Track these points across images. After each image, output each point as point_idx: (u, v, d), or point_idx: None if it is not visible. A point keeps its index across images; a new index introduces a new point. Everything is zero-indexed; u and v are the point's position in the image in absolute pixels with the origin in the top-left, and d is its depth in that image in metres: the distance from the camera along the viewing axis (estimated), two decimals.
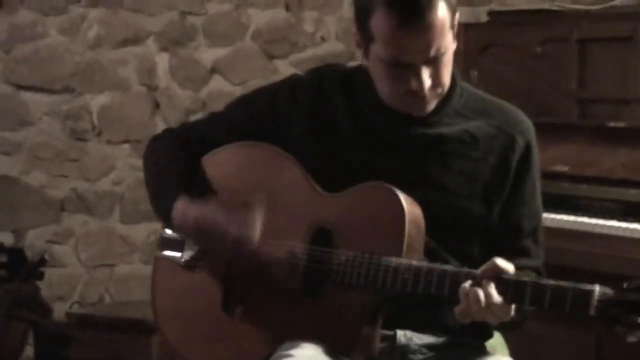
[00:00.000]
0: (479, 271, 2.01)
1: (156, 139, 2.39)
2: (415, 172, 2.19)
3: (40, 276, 2.35)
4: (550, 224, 3.16)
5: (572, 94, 3.57)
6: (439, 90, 2.16)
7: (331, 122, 2.24)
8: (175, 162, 2.29)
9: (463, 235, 2.20)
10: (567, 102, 3.58)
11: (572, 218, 3.22)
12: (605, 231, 3.11)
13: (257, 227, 2.19)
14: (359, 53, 2.21)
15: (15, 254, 2.30)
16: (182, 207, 2.21)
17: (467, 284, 1.99)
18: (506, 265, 2.00)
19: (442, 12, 2.06)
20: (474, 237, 2.21)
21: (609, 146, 3.31)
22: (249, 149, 2.29)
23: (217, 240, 2.18)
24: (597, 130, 3.40)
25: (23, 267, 2.28)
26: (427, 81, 2.10)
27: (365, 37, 2.14)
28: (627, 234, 3.05)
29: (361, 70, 2.25)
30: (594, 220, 3.16)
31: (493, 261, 2.00)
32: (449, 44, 2.10)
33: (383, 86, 2.16)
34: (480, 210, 2.20)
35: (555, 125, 3.47)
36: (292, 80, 2.32)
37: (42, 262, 2.35)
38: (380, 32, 2.08)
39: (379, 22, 2.08)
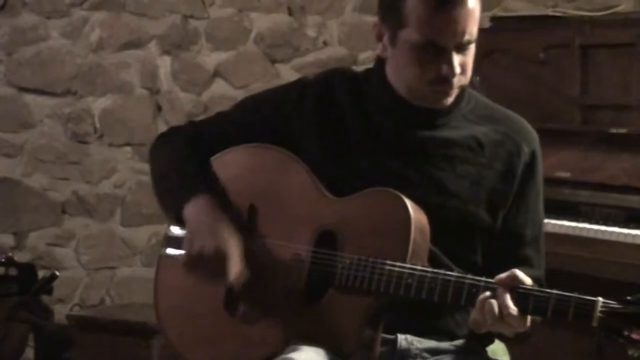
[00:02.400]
0: (494, 280, 2.00)
1: (163, 137, 2.38)
2: (421, 175, 2.19)
3: (50, 292, 2.35)
4: (552, 230, 3.16)
5: (575, 100, 3.57)
6: (463, 81, 2.18)
7: (338, 124, 2.24)
8: (186, 160, 2.28)
9: (467, 241, 2.20)
10: (569, 108, 3.58)
11: (573, 224, 3.21)
12: (607, 237, 3.10)
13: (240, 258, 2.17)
14: (378, 46, 2.21)
15: (26, 268, 2.30)
16: (198, 206, 2.19)
17: (484, 294, 1.99)
18: (524, 277, 2.00)
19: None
20: (478, 243, 2.21)
21: (611, 152, 3.31)
22: (257, 151, 2.29)
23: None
24: (599, 136, 3.40)
25: (33, 282, 2.28)
26: (457, 67, 2.13)
27: (393, 24, 2.15)
28: (629, 240, 3.05)
29: (369, 74, 2.27)
30: (595, 227, 3.16)
31: (513, 272, 2.00)
32: (476, 34, 2.14)
33: (409, 73, 2.17)
34: (485, 215, 2.20)
35: (557, 131, 3.47)
36: (300, 83, 2.32)
37: (53, 278, 2.35)
38: (417, 14, 2.10)
39: (415, 4, 2.10)
